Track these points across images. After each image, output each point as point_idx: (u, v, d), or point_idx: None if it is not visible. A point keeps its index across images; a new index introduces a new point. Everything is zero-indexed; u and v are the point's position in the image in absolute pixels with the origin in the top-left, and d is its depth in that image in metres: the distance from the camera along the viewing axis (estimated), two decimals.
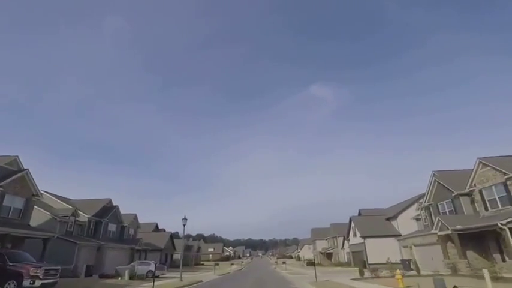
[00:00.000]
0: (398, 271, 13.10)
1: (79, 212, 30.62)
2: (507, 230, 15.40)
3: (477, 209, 20.92)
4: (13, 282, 12.20)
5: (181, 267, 24.53)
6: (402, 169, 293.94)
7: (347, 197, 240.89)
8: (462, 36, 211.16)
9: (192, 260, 65.34)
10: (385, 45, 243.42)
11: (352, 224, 43.09)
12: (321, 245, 64.90)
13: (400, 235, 34.99)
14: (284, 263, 49.89)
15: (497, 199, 19.23)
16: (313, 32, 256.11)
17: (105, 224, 33.23)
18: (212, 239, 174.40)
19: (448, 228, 19.88)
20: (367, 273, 19.10)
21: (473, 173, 21.00)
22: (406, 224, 35.96)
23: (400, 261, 29.16)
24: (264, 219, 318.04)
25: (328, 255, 56.81)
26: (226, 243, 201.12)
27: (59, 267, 15.47)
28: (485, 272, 9.92)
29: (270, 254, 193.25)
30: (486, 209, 19.92)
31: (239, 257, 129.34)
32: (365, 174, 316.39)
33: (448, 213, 24.04)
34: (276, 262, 68.89)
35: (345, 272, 31.22)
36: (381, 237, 37.21)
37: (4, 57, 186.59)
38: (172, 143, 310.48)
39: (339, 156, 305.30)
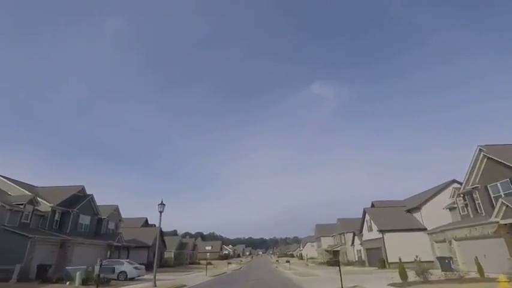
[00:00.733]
0: (502, 275, 7.62)
1: (39, 200, 25.03)
2: None
3: None
4: None
5: (155, 268, 19.00)
6: (403, 168, 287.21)
7: (347, 196, 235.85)
8: (463, 34, 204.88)
9: (187, 259, 59.83)
10: (386, 44, 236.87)
11: (367, 217, 37.56)
12: (327, 242, 59.44)
13: (425, 228, 29.61)
14: (288, 261, 44.46)
15: None
16: (313, 30, 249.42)
17: (74, 215, 27.64)
18: (211, 238, 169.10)
19: None
20: (411, 276, 13.54)
21: None
22: (432, 215, 30.50)
23: (434, 260, 23.77)
24: (265, 218, 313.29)
25: (335, 253, 51.38)
26: (225, 241, 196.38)
27: None
28: None
29: (271, 252, 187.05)
30: None
31: (238, 256, 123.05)
32: (365, 173, 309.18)
33: (503, 196, 18.48)
34: (277, 261, 63.59)
35: (363, 272, 25.72)
36: (402, 231, 31.79)
37: (5, 56, 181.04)
38: (172, 142, 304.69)
39: (339, 155, 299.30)
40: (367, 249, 37.51)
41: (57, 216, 26.45)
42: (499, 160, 18.89)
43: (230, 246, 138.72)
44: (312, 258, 67.91)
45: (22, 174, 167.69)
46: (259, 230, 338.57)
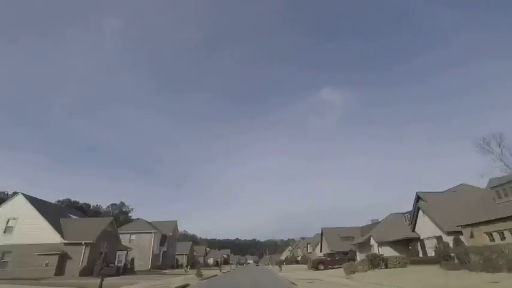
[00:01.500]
0: None
1: None
2: None
3: None
4: None
5: None
6: (411, 176, 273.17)
7: (352, 204, 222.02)
8: (484, 37, 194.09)
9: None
10: (401, 47, 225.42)
11: None
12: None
13: None
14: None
15: None
16: (324, 32, 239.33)
17: None
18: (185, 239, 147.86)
19: None
20: None
21: None
22: None
23: None
24: (264, 225, 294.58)
25: None
26: (210, 243, 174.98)
27: None
28: None
29: (268, 259, 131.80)
30: None
31: (216, 264, 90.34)
32: (369, 180, 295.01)
33: None
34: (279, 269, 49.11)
35: None
36: None
37: (3, 56, 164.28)
38: (175, 147, 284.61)
39: (344, 162, 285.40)
40: None
41: None
42: None
43: (207, 248, 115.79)
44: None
45: (19, 179, 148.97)
46: (257, 234, 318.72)
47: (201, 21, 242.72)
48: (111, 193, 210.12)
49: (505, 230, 18.14)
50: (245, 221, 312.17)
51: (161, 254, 49.04)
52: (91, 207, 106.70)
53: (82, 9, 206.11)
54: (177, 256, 62.00)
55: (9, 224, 27.63)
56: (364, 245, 34.51)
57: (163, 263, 48.75)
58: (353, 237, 52.07)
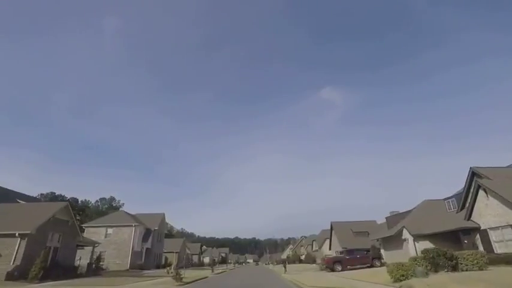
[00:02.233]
0: None
1: None
2: None
3: None
4: None
5: None
6: (409, 176, 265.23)
7: (352, 204, 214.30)
8: (486, 36, 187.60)
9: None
10: (401, 46, 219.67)
11: None
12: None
13: None
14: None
15: None
16: (325, 31, 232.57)
17: None
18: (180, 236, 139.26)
19: None
20: None
21: None
22: None
23: None
24: (264, 224, 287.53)
25: None
26: (208, 242, 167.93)
27: None
28: None
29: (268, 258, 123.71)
30: None
31: (213, 263, 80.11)
32: (368, 180, 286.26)
33: None
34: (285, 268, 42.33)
35: None
36: None
37: (3, 55, 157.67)
38: (174, 146, 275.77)
39: (343, 162, 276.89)
40: None
41: None
42: None
43: (204, 247, 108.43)
44: None
45: (18, 178, 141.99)
46: (256, 233, 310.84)
47: (201, 20, 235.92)
48: (111, 192, 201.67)
49: None
50: (245, 220, 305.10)
51: (144, 251, 41.73)
52: (79, 202, 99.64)
53: (82, 8, 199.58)
54: (165, 254, 54.73)
55: None
56: (392, 240, 27.18)
57: (147, 261, 41.43)
58: (368, 233, 44.83)
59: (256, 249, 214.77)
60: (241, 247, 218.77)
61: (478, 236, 19.83)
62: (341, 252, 28.88)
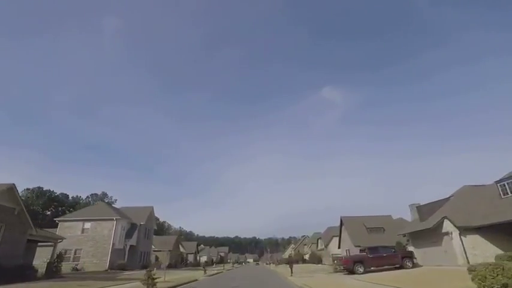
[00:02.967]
0: None
1: None
2: None
3: None
4: None
5: None
6: (410, 176, 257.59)
7: (353, 204, 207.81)
8: (488, 36, 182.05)
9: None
10: (402, 46, 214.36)
11: None
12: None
13: None
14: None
15: None
16: (326, 31, 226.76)
17: None
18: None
19: None
20: None
21: None
22: None
23: None
24: (265, 224, 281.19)
25: None
26: (207, 241, 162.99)
27: None
28: None
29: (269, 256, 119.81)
30: None
31: (211, 263, 76.27)
32: (368, 179, 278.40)
33: None
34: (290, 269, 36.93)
35: None
36: None
37: (3, 55, 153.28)
38: (175, 146, 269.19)
39: (344, 161, 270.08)
40: None
41: None
42: None
43: (201, 245, 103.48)
44: None
45: (18, 178, 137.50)
46: (257, 232, 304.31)
47: (201, 20, 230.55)
48: (111, 191, 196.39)
49: None
50: (245, 219, 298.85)
51: (127, 249, 36.32)
52: (69, 198, 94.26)
53: (82, 8, 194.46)
54: (156, 253, 49.38)
55: None
56: (426, 235, 21.70)
57: (130, 261, 36.01)
58: (383, 229, 39.53)
59: (256, 249, 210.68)
60: (241, 247, 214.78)
61: None
62: (361, 250, 23.37)
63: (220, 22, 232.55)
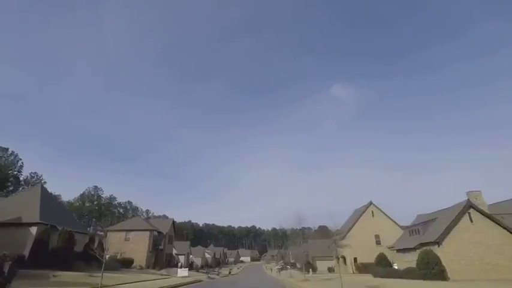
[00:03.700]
0: None
1: None
2: None
3: None
4: None
5: None
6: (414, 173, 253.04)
7: (358, 201, 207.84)
8: (506, 27, 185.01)
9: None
10: (416, 36, 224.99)
11: None
12: None
13: None
14: None
15: None
16: (341, 22, 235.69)
17: None
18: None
19: None
20: None
21: None
22: None
23: None
24: (267, 220, 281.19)
25: None
26: (208, 234, 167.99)
27: None
28: None
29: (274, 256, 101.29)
30: None
31: (206, 266, 70.41)
32: (375, 176, 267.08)
33: None
34: None
35: None
36: None
37: (6, 44, 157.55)
38: (175, 138, 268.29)
39: (355, 156, 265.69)
40: None
41: None
42: None
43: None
44: None
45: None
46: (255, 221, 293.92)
47: (215, 11, 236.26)
48: (109, 190, 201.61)
49: None
50: (244, 218, 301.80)
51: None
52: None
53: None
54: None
55: None
56: None
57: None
58: None
59: (255, 243, 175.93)
60: (234, 240, 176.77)
61: None
62: None
63: (233, 15, 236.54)
